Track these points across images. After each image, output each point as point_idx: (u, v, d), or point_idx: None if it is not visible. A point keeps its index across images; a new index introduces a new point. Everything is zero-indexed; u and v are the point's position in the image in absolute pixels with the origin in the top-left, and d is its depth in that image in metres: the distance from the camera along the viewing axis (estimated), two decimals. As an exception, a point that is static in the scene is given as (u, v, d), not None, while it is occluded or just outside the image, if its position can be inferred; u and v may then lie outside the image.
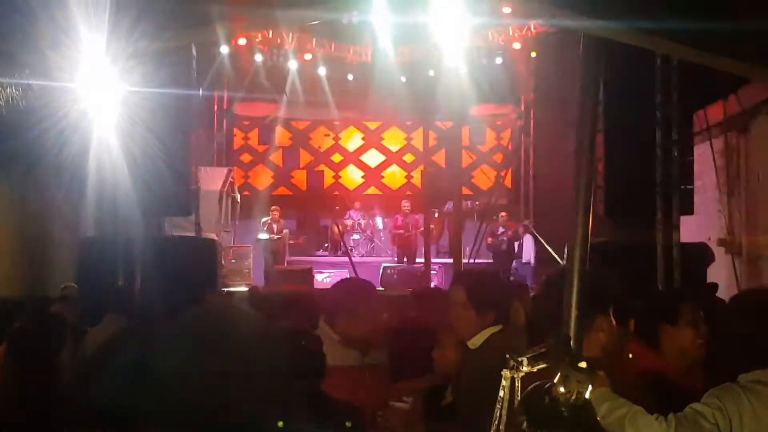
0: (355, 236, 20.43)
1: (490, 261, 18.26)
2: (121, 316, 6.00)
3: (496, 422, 2.41)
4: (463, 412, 3.85)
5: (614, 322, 3.56)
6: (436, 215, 19.71)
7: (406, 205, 19.33)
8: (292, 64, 19.93)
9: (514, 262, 18.05)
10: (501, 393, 2.42)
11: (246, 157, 22.47)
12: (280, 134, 22.66)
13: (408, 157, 23.10)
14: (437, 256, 19.26)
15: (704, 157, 13.88)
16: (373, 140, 23.25)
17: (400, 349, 4.85)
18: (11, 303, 7.89)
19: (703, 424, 3.15)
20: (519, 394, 2.41)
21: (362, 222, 20.50)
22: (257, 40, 19.15)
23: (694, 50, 5.48)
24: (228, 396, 3.21)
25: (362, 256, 19.94)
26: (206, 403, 3.18)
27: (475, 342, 4.03)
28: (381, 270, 17.45)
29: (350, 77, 20.62)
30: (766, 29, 4.99)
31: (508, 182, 21.64)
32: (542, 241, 17.09)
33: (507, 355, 2.46)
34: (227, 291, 13.75)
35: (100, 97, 9.82)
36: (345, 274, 17.26)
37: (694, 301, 4.19)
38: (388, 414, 4.17)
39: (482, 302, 4.04)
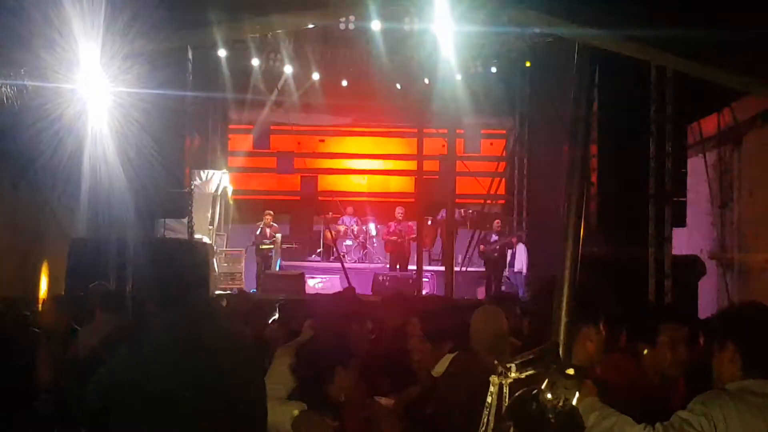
0: (348, 242, 20.39)
1: (482, 269, 18.25)
2: (114, 315, 6.02)
3: (483, 428, 2.42)
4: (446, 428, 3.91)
5: (603, 332, 3.57)
6: (430, 222, 19.68)
7: (399, 211, 19.31)
8: (288, 69, 19.93)
9: (506, 270, 18.02)
10: (489, 399, 2.43)
11: (240, 161, 22.43)
12: (274, 138, 22.68)
13: (402, 164, 23.08)
14: (429, 264, 19.23)
15: (697, 170, 13.91)
16: (366, 146, 23.26)
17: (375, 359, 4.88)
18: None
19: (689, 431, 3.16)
20: (507, 400, 2.42)
21: (355, 228, 20.46)
22: (253, 44, 19.14)
23: (689, 62, 5.49)
24: (205, 400, 3.23)
25: (355, 261, 19.90)
26: (185, 407, 3.20)
27: (438, 370, 4.14)
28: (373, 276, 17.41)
29: (344, 83, 20.62)
30: (761, 42, 5.01)
31: (501, 191, 21.64)
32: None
33: (495, 362, 2.47)
34: (217, 294, 13.73)
35: (95, 98, 9.82)
36: (337, 279, 17.25)
37: (675, 321, 4.15)
38: (369, 407, 4.20)
39: (436, 334, 4.15)
